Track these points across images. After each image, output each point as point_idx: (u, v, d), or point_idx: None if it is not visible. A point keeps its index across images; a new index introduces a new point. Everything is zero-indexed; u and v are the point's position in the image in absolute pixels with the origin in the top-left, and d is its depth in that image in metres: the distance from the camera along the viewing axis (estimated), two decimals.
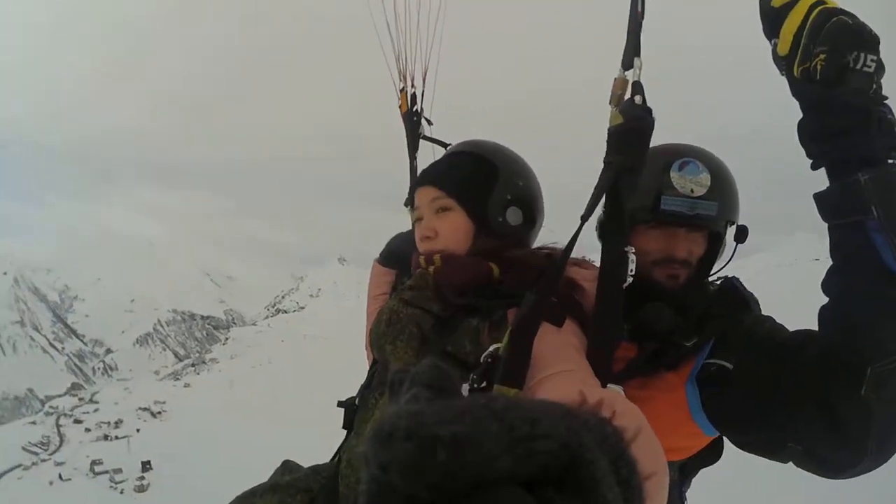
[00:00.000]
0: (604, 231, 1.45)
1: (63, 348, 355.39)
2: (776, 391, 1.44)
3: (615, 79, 1.39)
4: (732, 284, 1.79)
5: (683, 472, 1.91)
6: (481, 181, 1.58)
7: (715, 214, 1.69)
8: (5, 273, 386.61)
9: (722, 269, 1.84)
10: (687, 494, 2.00)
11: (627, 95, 1.37)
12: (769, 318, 1.68)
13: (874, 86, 1.30)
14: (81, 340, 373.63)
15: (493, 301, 1.42)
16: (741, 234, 1.79)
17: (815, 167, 1.39)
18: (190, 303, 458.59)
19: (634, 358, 1.68)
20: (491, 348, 1.30)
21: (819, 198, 1.40)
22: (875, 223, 1.28)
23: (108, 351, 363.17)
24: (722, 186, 1.70)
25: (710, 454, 1.86)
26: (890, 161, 1.31)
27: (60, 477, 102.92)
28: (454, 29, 2.47)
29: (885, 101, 1.32)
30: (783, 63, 1.37)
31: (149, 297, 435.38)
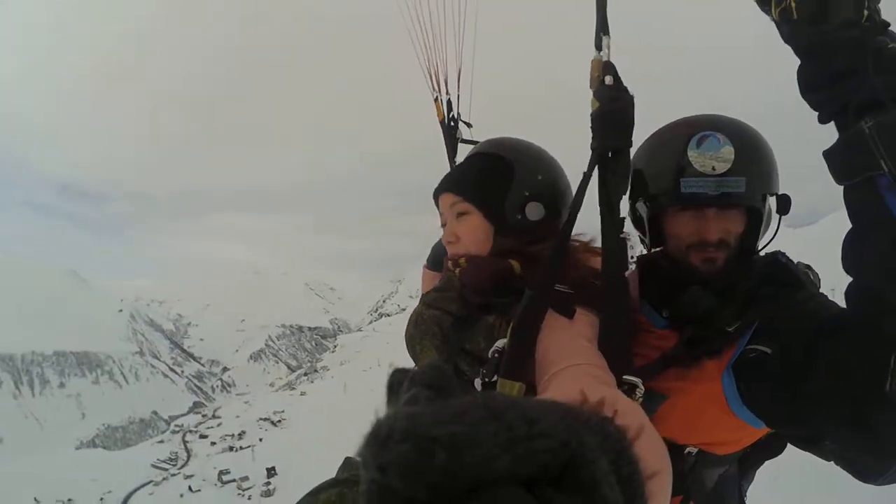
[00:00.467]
0: (601, 219, 1.37)
1: (182, 371, 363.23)
2: (808, 382, 1.29)
3: (591, 62, 1.33)
4: (776, 259, 1.63)
5: (743, 466, 1.73)
6: (497, 181, 1.58)
7: (744, 191, 1.51)
8: (121, 311, 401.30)
9: (769, 242, 1.67)
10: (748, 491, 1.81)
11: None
12: (821, 295, 1.52)
13: (866, 11, 1.12)
14: (199, 362, 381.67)
15: (509, 297, 1.41)
16: (784, 205, 1.59)
17: (821, 121, 1.23)
18: (296, 316, 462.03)
19: (672, 347, 1.57)
20: (498, 343, 1.31)
21: (827, 156, 1.22)
22: (886, 179, 1.10)
23: (225, 369, 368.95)
24: (750, 158, 1.51)
25: (774, 445, 1.69)
26: None
27: (190, 489, 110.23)
28: (483, 25, 2.37)
29: (888, 28, 1.13)
30: (765, 8, 1.24)
31: (257, 315, 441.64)
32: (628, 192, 1.59)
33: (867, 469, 1.25)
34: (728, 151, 1.50)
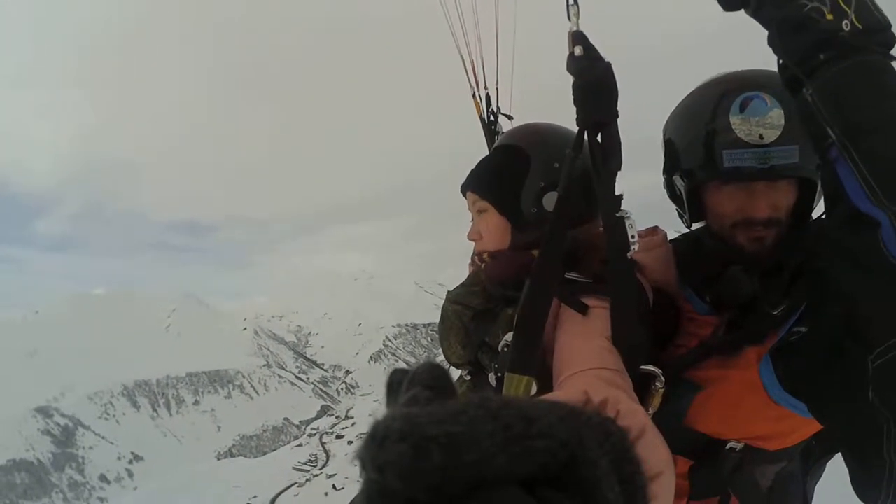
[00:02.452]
0: (598, 199, 1.26)
1: (308, 378, 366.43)
2: (825, 371, 1.13)
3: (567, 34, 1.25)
4: (823, 227, 1.36)
5: (808, 460, 1.53)
6: (511, 175, 1.52)
7: (797, 161, 1.31)
8: (245, 329, 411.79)
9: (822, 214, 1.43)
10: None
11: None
12: None
13: None
14: (322, 368, 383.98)
15: None
16: None
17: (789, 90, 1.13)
18: (410, 315, 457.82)
19: (710, 334, 1.44)
20: (507, 337, 1.29)
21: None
22: (835, 150, 1.01)
23: (347, 372, 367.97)
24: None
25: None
26: (835, 58, 1.01)
27: (334, 487, 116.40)
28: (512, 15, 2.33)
29: None
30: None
31: (373, 318, 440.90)
32: (666, 166, 1.55)
33: (866, 495, 1.08)
34: (777, 115, 1.30)
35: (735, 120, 1.33)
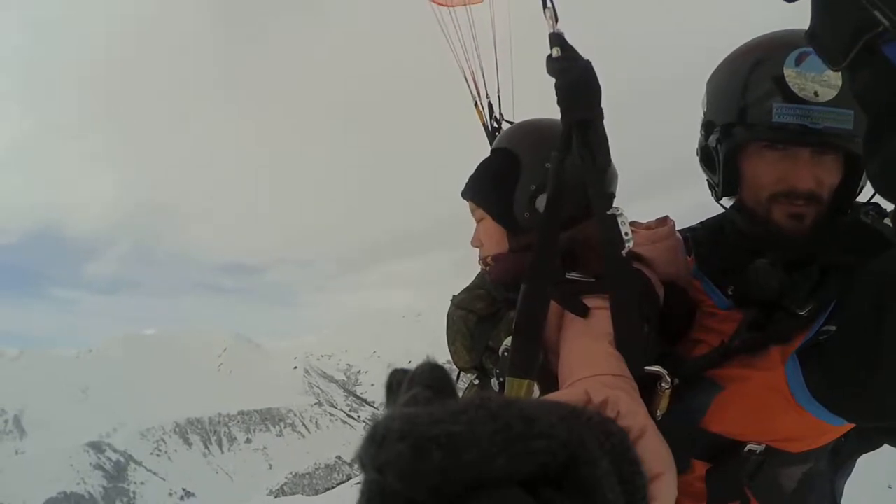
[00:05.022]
0: (592, 197, 1.22)
1: (359, 416, 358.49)
2: (874, 359, 1.03)
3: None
4: (857, 220, 1.30)
5: (836, 459, 1.42)
6: (502, 180, 1.49)
7: (851, 128, 1.18)
8: (295, 368, 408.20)
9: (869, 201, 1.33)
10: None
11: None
12: None
13: None
14: (373, 406, 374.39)
15: None
16: None
17: None
18: None
19: (734, 333, 1.32)
20: (507, 341, 1.28)
21: (811, 37, 0.93)
22: (888, 36, 0.79)
23: None
24: None
25: (870, 435, 1.40)
26: None
27: None
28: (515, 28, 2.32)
29: None
30: None
31: (421, 352, 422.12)
32: (704, 122, 1.44)
33: None
34: (835, 76, 1.16)
35: (790, 72, 1.20)
